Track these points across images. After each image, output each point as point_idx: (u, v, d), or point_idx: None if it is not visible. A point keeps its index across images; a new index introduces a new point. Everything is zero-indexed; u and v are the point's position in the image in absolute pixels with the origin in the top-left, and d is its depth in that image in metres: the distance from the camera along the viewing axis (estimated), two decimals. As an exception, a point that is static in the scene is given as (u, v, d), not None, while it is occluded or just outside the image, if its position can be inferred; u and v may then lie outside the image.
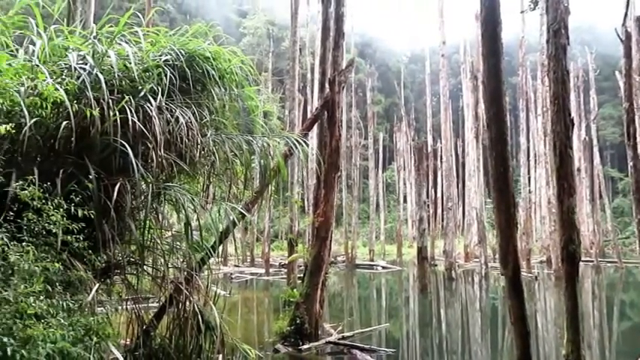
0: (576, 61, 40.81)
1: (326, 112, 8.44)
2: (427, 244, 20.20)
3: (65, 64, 5.01)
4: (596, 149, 36.70)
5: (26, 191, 3.78)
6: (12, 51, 5.03)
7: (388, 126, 55.99)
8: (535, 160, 33.54)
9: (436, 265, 28.41)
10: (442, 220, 37.54)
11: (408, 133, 46.06)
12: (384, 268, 29.38)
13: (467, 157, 31.59)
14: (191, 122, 5.27)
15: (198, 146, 5.49)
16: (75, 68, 4.81)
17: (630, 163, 9.96)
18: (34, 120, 4.29)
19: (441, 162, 32.70)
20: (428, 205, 34.24)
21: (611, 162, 54.48)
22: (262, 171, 6.85)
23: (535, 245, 33.97)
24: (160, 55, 5.56)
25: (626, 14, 10.76)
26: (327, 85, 8.76)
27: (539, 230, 35.63)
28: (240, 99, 6.66)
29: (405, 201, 42.35)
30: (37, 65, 4.60)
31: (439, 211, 43.38)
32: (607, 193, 43.42)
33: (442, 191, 35.04)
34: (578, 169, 32.67)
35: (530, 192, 32.94)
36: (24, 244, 3.57)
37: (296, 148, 6.44)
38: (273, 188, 8.94)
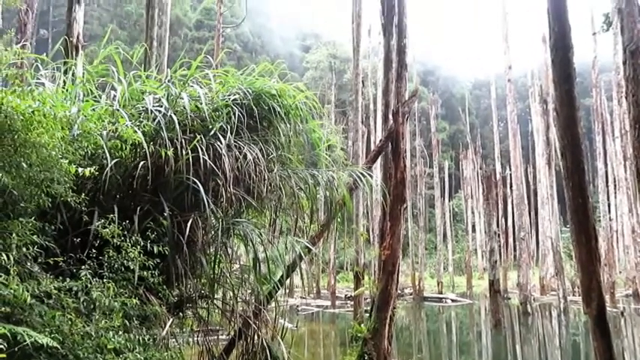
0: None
1: (390, 144, 8.39)
2: (499, 276, 19.29)
3: (142, 107, 5.34)
4: (684, 173, 33.97)
5: (107, 229, 3.99)
6: (95, 97, 5.43)
7: (453, 154, 54.84)
8: (615, 186, 31.52)
9: (509, 299, 27.03)
10: (514, 251, 35.87)
11: (475, 160, 44.85)
12: (453, 301, 28.32)
13: (539, 184, 30.19)
14: (258, 158, 5.41)
15: (265, 182, 5.60)
16: (151, 111, 5.11)
17: None
18: (115, 161, 4.57)
19: (511, 190, 31.49)
20: (499, 235, 32.89)
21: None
22: (328, 204, 6.88)
23: (619, 277, 31.55)
24: (229, 95, 5.79)
25: None
26: (390, 117, 8.73)
27: (622, 261, 33.14)
28: (304, 133, 6.78)
29: (473, 230, 40.97)
30: (118, 110, 4.92)
31: (510, 240, 41.55)
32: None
33: (513, 220, 33.62)
34: (665, 195, 30.27)
35: (610, 220, 30.86)
36: (105, 280, 3.76)
37: (361, 180, 6.42)
38: (338, 220, 8.94)
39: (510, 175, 32.18)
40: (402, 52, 9.11)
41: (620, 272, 33.39)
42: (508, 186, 38.78)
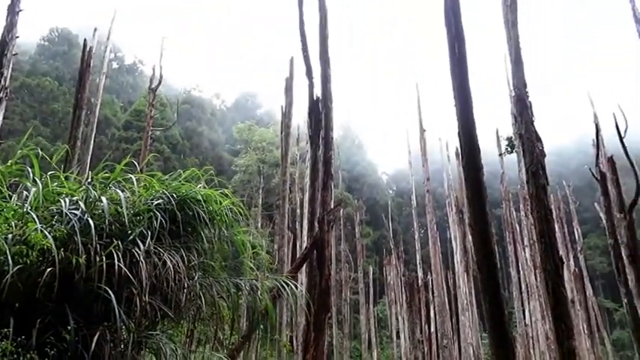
0: (556, 193, 42.28)
1: (315, 252, 8.43)
2: (424, 386, 18.89)
3: (57, 209, 5.06)
4: (587, 280, 36.44)
5: (-2, 346, 3.57)
6: (5, 198, 5.10)
7: (378, 259, 55.74)
8: (528, 292, 32.97)
9: (435, 410, 26.30)
10: (438, 358, 35.60)
11: (398, 265, 45.70)
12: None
13: (458, 289, 31.07)
14: (178, 265, 5.20)
15: (185, 290, 5.35)
16: (66, 214, 4.85)
17: (624, 300, 9.82)
18: (18, 267, 4.21)
19: (433, 296, 32.03)
20: (422, 342, 32.76)
21: (604, 292, 53.79)
22: (250, 314, 6.61)
23: (538, 384, 31.90)
24: (152, 200, 5.66)
25: (597, 155, 11.43)
26: (316, 224, 8.86)
27: (540, 367, 33.76)
28: (229, 239, 6.66)
29: (398, 337, 40.54)
30: (28, 212, 4.63)
31: (434, 348, 41.42)
32: (605, 325, 42.20)
33: (436, 327, 33.80)
34: (572, 302, 32.00)
35: (526, 325, 31.84)
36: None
37: (284, 289, 6.30)
38: (261, 330, 8.57)
39: (432, 280, 32.94)
40: (327, 163, 9.51)
41: (539, 379, 33.83)
42: (430, 292, 39.43)
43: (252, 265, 7.10)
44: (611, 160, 11.81)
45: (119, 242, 4.82)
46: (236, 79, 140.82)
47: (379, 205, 64.56)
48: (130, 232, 5.08)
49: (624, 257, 10.18)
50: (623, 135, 10.78)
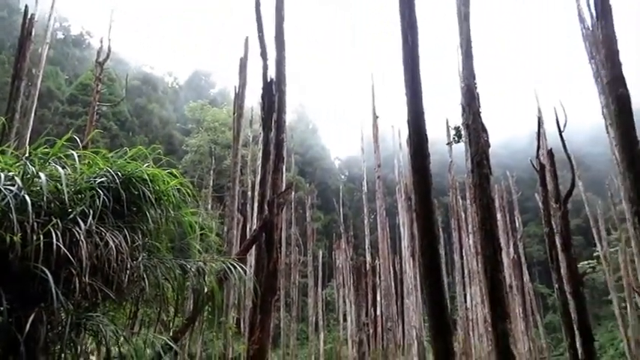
0: (500, 183, 43.96)
1: (264, 234, 8.43)
2: (368, 367, 19.44)
3: (-9, 185, 4.80)
4: (524, 267, 38.30)
5: None
6: None
7: (327, 243, 56.36)
8: (470, 278, 34.31)
9: (378, 390, 27.13)
10: (382, 340, 36.62)
11: (347, 250, 46.39)
12: (324, 394, 27.69)
13: (404, 274, 31.93)
14: (121, 246, 5.07)
15: (128, 271, 5.23)
16: (1, 190, 4.62)
17: (556, 286, 10.41)
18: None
19: (380, 280, 32.78)
20: (367, 325, 33.55)
21: (540, 278, 56.80)
22: (195, 296, 6.56)
23: (475, 366, 33.42)
24: (95, 177, 5.46)
25: (538, 147, 11.97)
26: (266, 207, 8.85)
27: (477, 348, 35.40)
28: (176, 221, 6.54)
29: (344, 320, 41.34)
30: (-44, 188, 4.39)
31: (379, 330, 42.54)
32: (539, 309, 44.64)
33: (381, 310, 34.66)
34: (510, 287, 33.59)
35: (467, 309, 33.19)
36: None
37: (231, 271, 6.27)
38: (207, 312, 8.51)
39: (379, 265, 33.68)
40: (279, 146, 9.48)
41: (477, 360, 35.51)
42: (377, 276, 40.32)
43: (199, 247, 7.02)
44: (550, 153, 12.41)
45: (58, 221, 4.64)
46: (190, 57, 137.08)
47: (331, 189, 65.11)
48: (70, 210, 4.90)
49: (558, 245, 10.78)
50: (562, 129, 11.35)
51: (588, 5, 9.22)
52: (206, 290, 6.47)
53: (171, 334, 7.09)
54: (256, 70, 10.94)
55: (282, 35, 10.69)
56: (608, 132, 10.73)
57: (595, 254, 39.85)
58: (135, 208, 5.89)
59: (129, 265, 5.17)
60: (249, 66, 18.31)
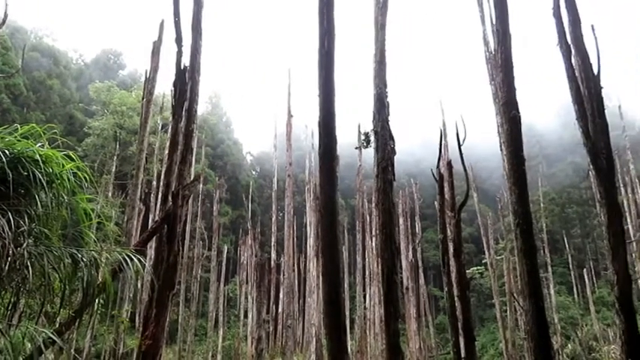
0: (404, 189, 46.07)
1: (166, 226, 8.15)
2: (265, 364, 19.48)
3: None
4: (421, 270, 40.47)
5: None
6: None
7: (234, 238, 55.65)
8: (370, 279, 35.60)
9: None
10: (281, 337, 36.91)
11: (253, 246, 46.15)
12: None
13: (308, 273, 32.41)
14: (3, 230, 4.67)
15: (9, 258, 4.82)
16: None
17: (446, 289, 11.11)
18: None
19: (284, 278, 32.99)
20: (268, 322, 33.65)
21: (434, 281, 60.39)
22: (86, 287, 6.18)
23: (370, 363, 34.71)
24: (-24, 154, 4.99)
25: (439, 158, 12.72)
26: (170, 198, 8.56)
27: (373, 346, 36.82)
28: (69, 207, 6.14)
29: (245, 317, 41.09)
30: None
31: (279, 327, 42.79)
32: (431, 310, 47.45)
33: (283, 308, 34.89)
34: (407, 289, 35.35)
35: (365, 309, 34.41)
36: None
37: (127, 264, 6.00)
38: (100, 305, 8.08)
39: (284, 263, 33.87)
40: (188, 136, 9.22)
41: (371, 358, 36.90)
42: (281, 273, 40.54)
43: (95, 236, 6.64)
44: (449, 165, 13.27)
45: None
46: (99, 34, 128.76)
47: (241, 185, 64.38)
48: (-56, 189, 4.43)
49: (450, 251, 11.55)
50: (462, 143, 12.17)
51: (492, 30, 9.96)
52: (98, 282, 6.13)
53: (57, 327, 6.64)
54: (170, 55, 10.52)
55: (200, 23, 10.40)
56: (501, 149, 11.64)
57: (484, 261, 43.11)
58: (22, 191, 5.46)
59: (11, 252, 4.78)
60: (163, 51, 17.60)
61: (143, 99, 15.47)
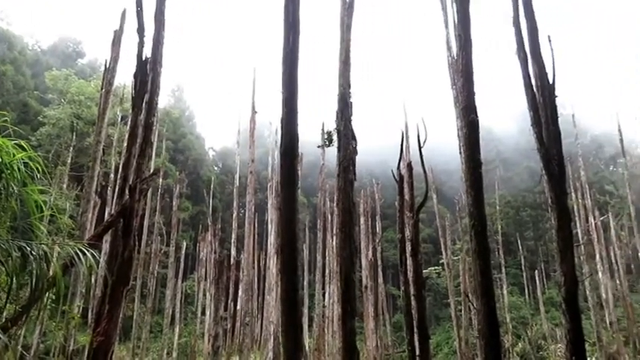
0: (366, 189, 46.51)
1: (122, 220, 7.96)
2: (222, 362, 19.31)
3: None
4: (380, 269, 40.97)
5: None
6: None
7: (193, 234, 54.82)
8: (330, 277, 35.81)
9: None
10: (239, 334, 36.64)
11: (213, 242, 45.60)
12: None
13: (268, 270, 32.30)
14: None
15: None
16: None
17: (402, 288, 11.30)
18: None
19: (243, 275, 32.76)
20: (226, 319, 33.35)
21: (392, 280, 61.26)
22: (35, 282, 5.97)
23: (327, 361, 34.89)
24: None
25: (400, 159, 12.91)
26: (127, 192, 8.36)
27: (330, 344, 37.03)
28: (19, 198, 5.92)
29: (203, 314, 40.58)
30: None
31: (237, 324, 42.48)
32: (389, 309, 48.16)
33: (242, 305, 34.64)
34: (366, 287, 35.77)
35: (324, 307, 34.59)
36: None
37: (79, 258, 5.83)
38: (50, 300, 7.81)
39: (243, 260, 33.63)
40: (148, 129, 9.03)
41: (329, 356, 37.12)
42: (241, 270, 40.25)
43: (47, 229, 6.43)
44: (409, 166, 13.51)
45: None
46: (58, 20, 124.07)
47: (202, 180, 63.50)
48: None
49: (407, 251, 11.76)
50: (422, 145, 12.42)
51: (454, 35, 10.18)
52: (48, 276, 5.93)
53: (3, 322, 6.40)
54: (132, 45, 10.26)
55: (163, 14, 10.20)
56: (460, 153, 11.92)
57: (441, 261, 44.03)
58: (-32, 181, 5.23)
59: (-47, 244, 4.57)
60: (125, 40, 17.14)
61: (102, 89, 15.03)
